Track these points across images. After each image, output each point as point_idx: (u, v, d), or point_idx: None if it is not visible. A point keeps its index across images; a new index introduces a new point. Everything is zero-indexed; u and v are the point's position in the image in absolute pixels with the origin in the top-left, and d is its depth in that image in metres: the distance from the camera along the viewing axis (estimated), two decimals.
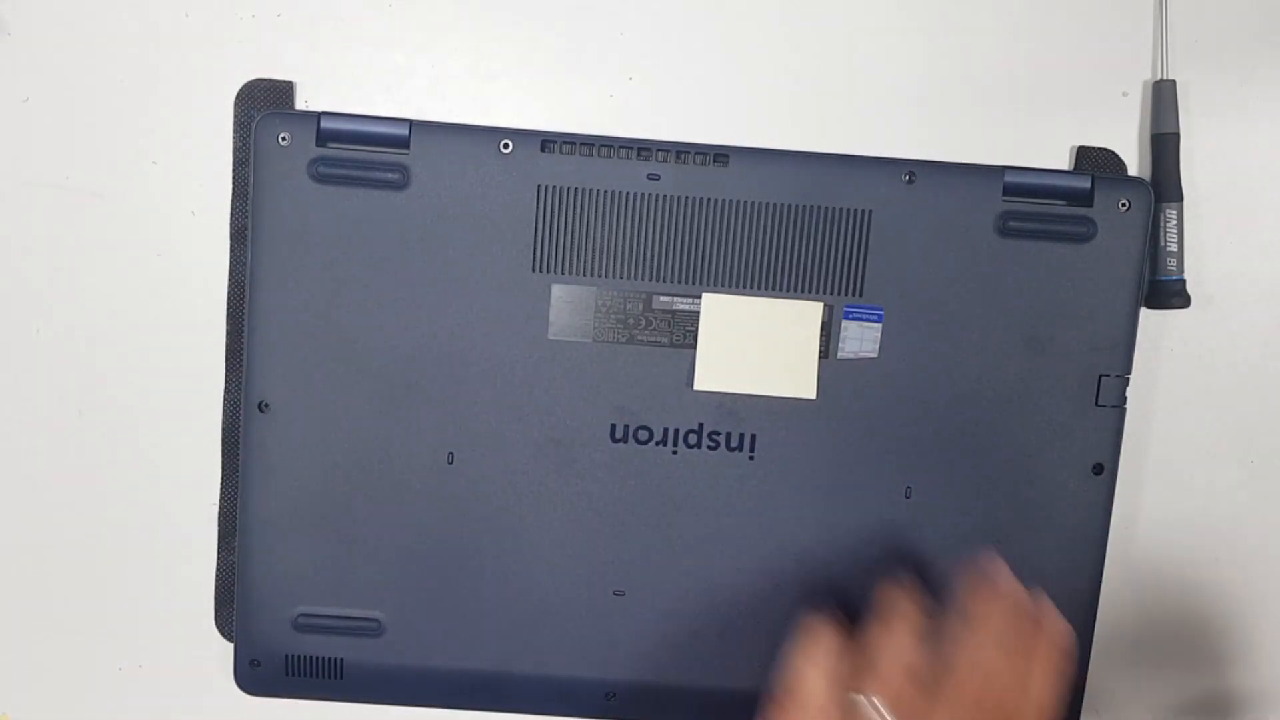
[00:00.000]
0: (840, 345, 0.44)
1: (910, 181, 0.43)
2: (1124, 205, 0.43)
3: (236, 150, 0.45)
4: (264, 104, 0.44)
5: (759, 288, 0.43)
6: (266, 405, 0.44)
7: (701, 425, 0.44)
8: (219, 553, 0.47)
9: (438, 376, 0.44)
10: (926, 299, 0.44)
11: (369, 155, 0.43)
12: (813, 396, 0.44)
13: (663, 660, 0.45)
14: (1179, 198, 0.45)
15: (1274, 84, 0.46)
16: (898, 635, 0.40)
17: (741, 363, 0.44)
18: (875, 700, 0.39)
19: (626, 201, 0.43)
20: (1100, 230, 0.44)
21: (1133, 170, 0.46)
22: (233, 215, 0.45)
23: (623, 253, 0.43)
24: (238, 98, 0.44)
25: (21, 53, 0.44)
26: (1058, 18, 0.45)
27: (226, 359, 0.46)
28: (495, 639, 0.45)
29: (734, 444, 0.44)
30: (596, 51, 0.45)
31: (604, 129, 0.44)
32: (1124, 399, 0.44)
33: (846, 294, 0.44)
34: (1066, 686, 0.41)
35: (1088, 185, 0.43)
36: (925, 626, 0.40)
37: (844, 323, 0.44)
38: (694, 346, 0.44)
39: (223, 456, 0.46)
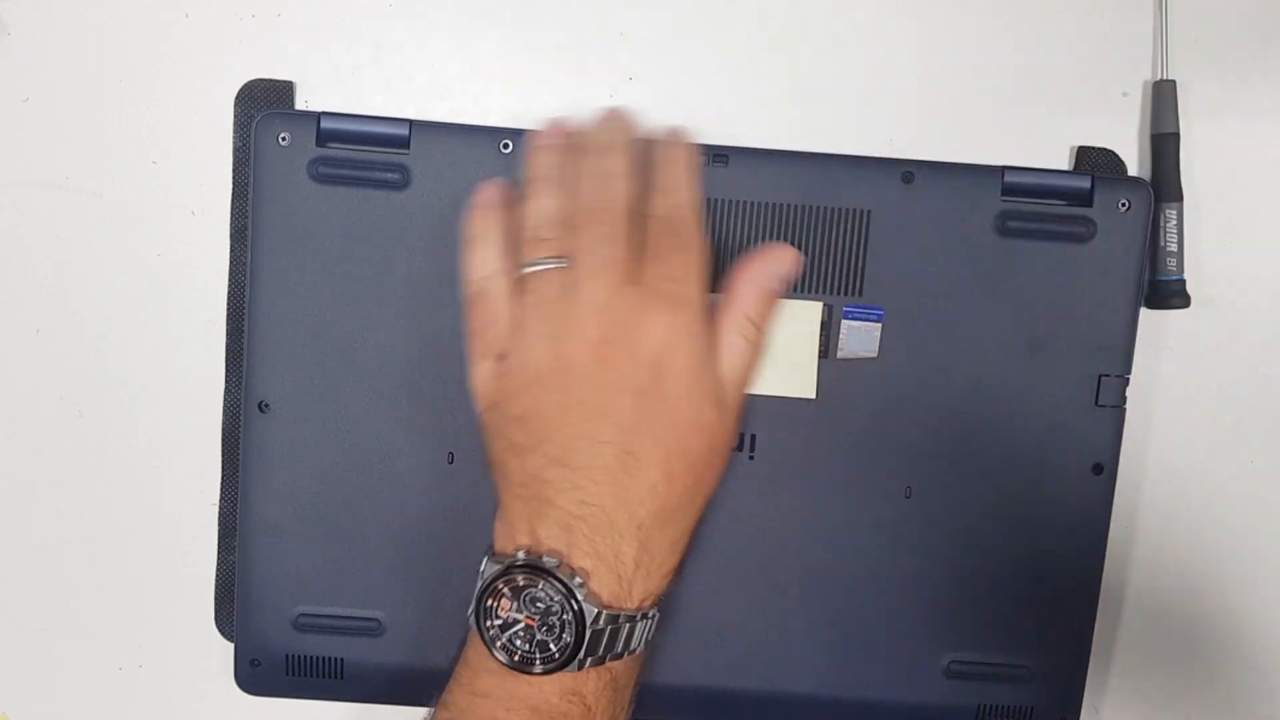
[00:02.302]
0: (840, 345, 0.44)
1: (909, 181, 0.43)
2: (1124, 205, 0.43)
3: (236, 150, 0.45)
4: (264, 104, 0.44)
5: None
6: (266, 405, 0.44)
7: None
8: (219, 553, 0.47)
9: (438, 376, 0.44)
10: (926, 299, 0.44)
11: (369, 155, 0.43)
12: (812, 396, 0.44)
13: (663, 660, 0.45)
14: (1179, 198, 0.45)
15: (1274, 84, 0.46)
16: (533, 197, 0.40)
17: None
18: (534, 258, 0.39)
19: None
20: (1100, 230, 0.43)
21: (1133, 170, 0.46)
22: (233, 215, 0.45)
23: None
24: (238, 98, 0.44)
25: (21, 53, 0.44)
26: (1058, 18, 0.45)
27: (226, 359, 0.46)
28: None
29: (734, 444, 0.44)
30: (596, 51, 0.45)
31: None
32: (1124, 399, 0.44)
33: (846, 294, 0.44)
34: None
35: (1087, 185, 0.43)
36: (557, 179, 0.41)
37: (843, 323, 0.44)
38: None
39: (223, 456, 0.46)
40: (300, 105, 0.45)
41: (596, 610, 0.38)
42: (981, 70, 0.45)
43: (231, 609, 0.46)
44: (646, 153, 0.41)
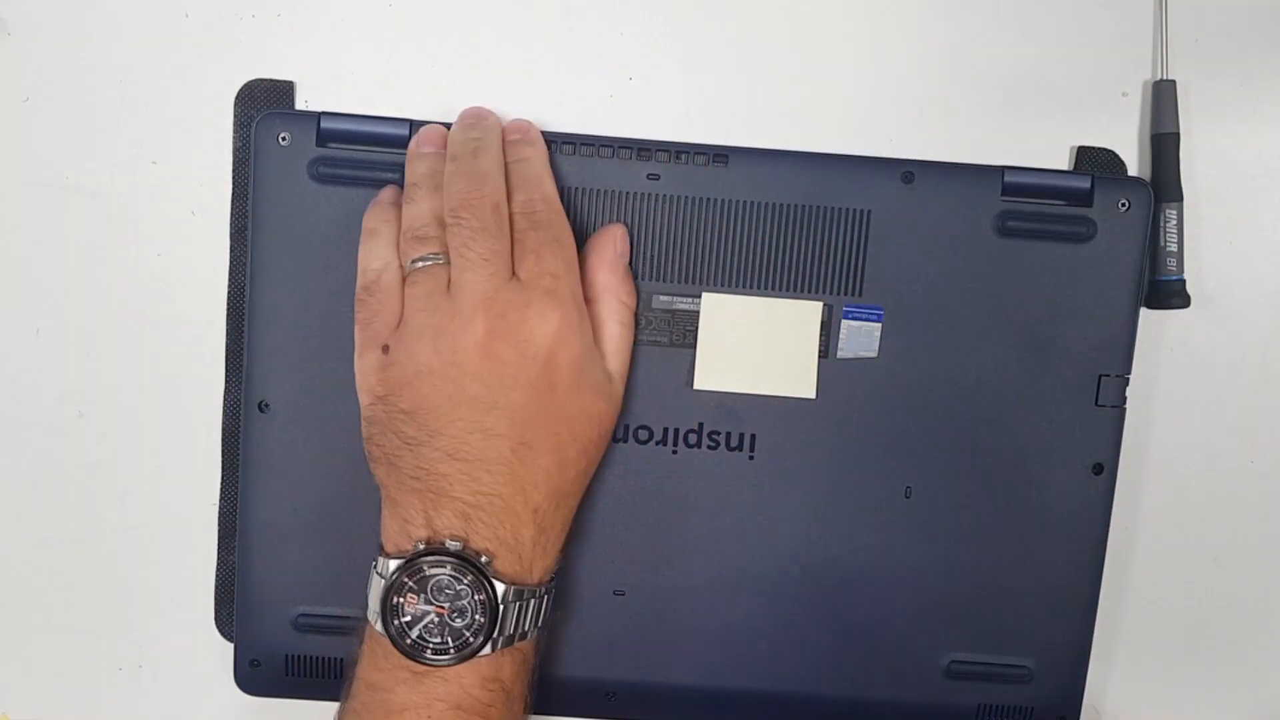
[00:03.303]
0: (840, 345, 0.44)
1: (909, 181, 0.43)
2: (1124, 205, 0.43)
3: (236, 150, 0.45)
4: (264, 104, 0.44)
5: (758, 287, 0.43)
6: (266, 405, 0.44)
7: (701, 425, 0.44)
8: (219, 553, 0.47)
9: None
10: (926, 299, 0.44)
11: (369, 155, 0.43)
12: (812, 396, 0.44)
13: (663, 660, 0.45)
14: (1179, 198, 0.45)
15: (1274, 84, 0.46)
16: (412, 200, 0.41)
17: (741, 362, 0.44)
18: (417, 255, 0.40)
19: (626, 201, 0.43)
20: (1100, 230, 0.44)
21: (1133, 170, 0.46)
22: (233, 215, 0.45)
23: None
24: (238, 98, 0.44)
25: (21, 53, 0.44)
26: (1058, 18, 0.45)
27: (226, 359, 0.46)
28: None
29: (734, 444, 0.44)
30: (596, 51, 0.45)
31: (604, 129, 0.44)
32: (1124, 399, 0.44)
33: (846, 294, 0.44)
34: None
35: (1087, 185, 0.44)
36: (431, 182, 0.41)
37: (843, 322, 0.44)
38: (694, 346, 0.44)
39: (223, 456, 0.46)
40: (300, 105, 0.45)
41: (505, 586, 0.38)
42: (981, 70, 0.45)
43: (231, 609, 0.46)
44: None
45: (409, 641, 0.38)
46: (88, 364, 0.46)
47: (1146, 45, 0.45)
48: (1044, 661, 0.46)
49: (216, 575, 0.47)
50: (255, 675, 0.46)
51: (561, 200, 0.42)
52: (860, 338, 0.44)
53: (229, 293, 0.45)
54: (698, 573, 0.45)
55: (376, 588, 0.39)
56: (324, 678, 0.46)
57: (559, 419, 0.39)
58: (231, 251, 0.45)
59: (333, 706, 0.46)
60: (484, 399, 0.38)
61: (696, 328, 0.44)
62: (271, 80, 0.44)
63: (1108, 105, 0.45)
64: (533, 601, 0.40)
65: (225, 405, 0.46)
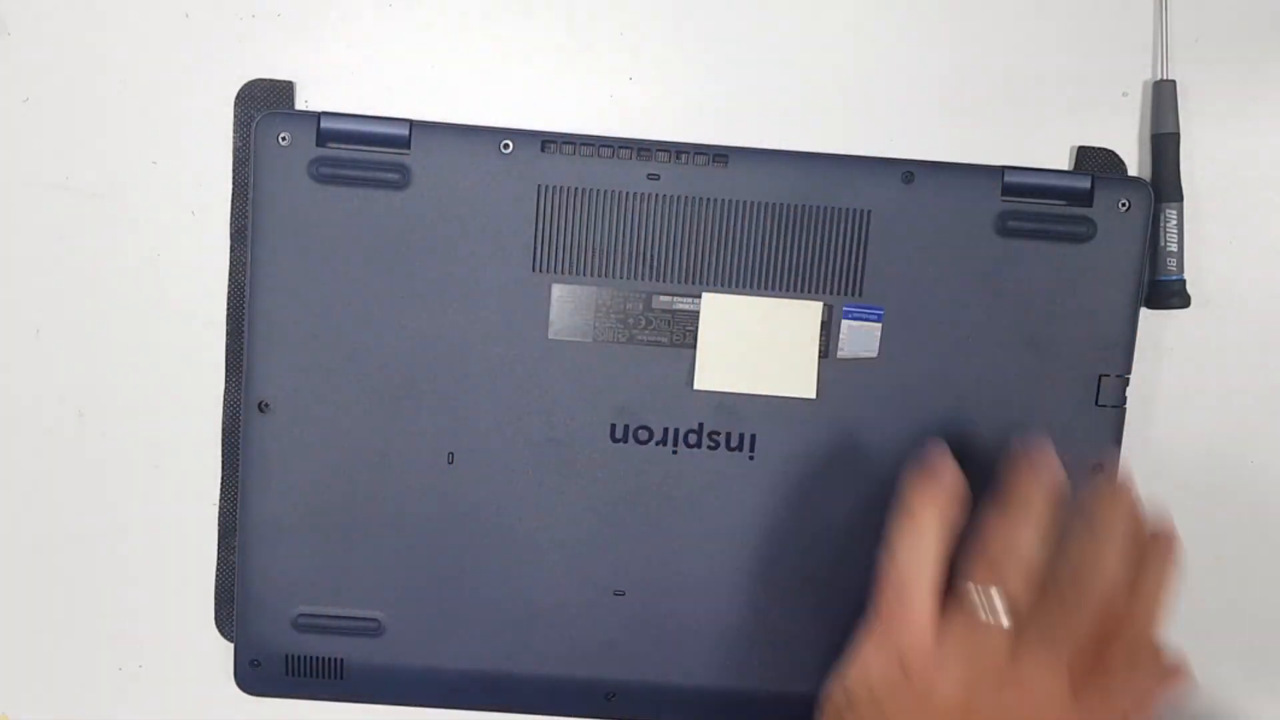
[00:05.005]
0: (840, 345, 0.44)
1: (909, 181, 0.43)
2: (1124, 205, 0.44)
3: (236, 150, 0.45)
4: (264, 104, 0.44)
5: (758, 287, 0.43)
6: (266, 405, 0.44)
7: (701, 425, 0.44)
8: (219, 553, 0.47)
9: (438, 376, 0.44)
10: (926, 299, 0.44)
11: (369, 155, 0.43)
12: (813, 396, 0.44)
13: (663, 660, 0.45)
14: (1179, 198, 0.45)
15: (1274, 84, 0.46)
16: (1020, 525, 0.38)
17: (741, 362, 0.44)
18: (991, 592, 0.37)
19: (626, 201, 0.43)
20: (1100, 230, 0.44)
21: (1133, 170, 0.46)
22: (233, 215, 0.45)
23: (623, 252, 0.43)
24: (238, 98, 0.44)
25: (21, 53, 0.44)
26: (1058, 18, 0.45)
27: (226, 359, 0.46)
28: (495, 639, 0.45)
29: (734, 444, 0.44)
30: (596, 51, 0.45)
31: (604, 129, 0.44)
32: (1124, 399, 0.44)
33: (846, 294, 0.44)
34: (1173, 597, 0.38)
35: (1087, 185, 0.44)
36: (1047, 520, 0.38)
37: (843, 322, 0.44)
38: (694, 346, 0.44)
39: (223, 456, 0.46)
40: (300, 105, 0.45)
41: None
42: (981, 70, 0.45)
43: (231, 609, 0.46)
44: (1129, 534, 0.38)
45: None
46: (88, 364, 0.46)
47: (1146, 45, 0.45)
48: None
49: (216, 575, 0.47)
50: (255, 675, 0.46)
51: (560, 199, 0.42)
52: (860, 338, 0.44)
53: (229, 293, 0.46)
54: (698, 573, 0.45)
55: None
56: (324, 677, 0.46)
57: None
58: (231, 251, 0.45)
59: (334, 706, 0.47)
60: None
61: (696, 328, 0.44)
62: (271, 80, 0.44)
63: (1108, 105, 0.45)
64: None
65: (225, 405, 0.46)
